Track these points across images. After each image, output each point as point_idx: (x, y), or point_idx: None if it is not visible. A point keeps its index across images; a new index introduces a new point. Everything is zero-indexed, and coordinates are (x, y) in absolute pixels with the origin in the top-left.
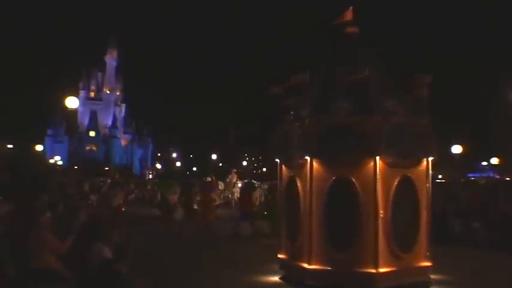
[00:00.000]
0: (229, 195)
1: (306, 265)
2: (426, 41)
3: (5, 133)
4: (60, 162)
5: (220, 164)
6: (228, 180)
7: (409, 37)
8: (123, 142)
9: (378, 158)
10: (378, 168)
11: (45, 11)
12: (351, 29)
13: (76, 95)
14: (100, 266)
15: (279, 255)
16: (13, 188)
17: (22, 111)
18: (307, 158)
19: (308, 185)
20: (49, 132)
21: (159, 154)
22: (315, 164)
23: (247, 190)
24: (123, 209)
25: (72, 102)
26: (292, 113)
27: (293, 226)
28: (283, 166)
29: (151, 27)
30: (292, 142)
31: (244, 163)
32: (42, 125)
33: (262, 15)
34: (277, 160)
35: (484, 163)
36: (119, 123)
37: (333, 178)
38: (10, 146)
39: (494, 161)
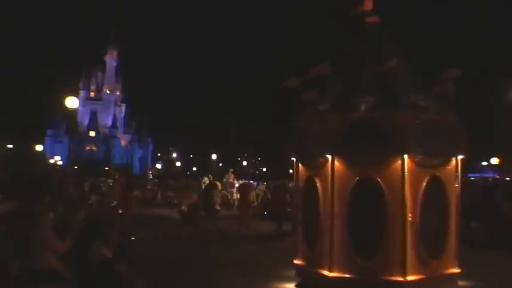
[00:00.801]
0: (229, 196)
1: (326, 272)
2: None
3: (5, 133)
4: (60, 162)
5: (220, 164)
6: (224, 180)
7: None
8: (123, 142)
9: (406, 156)
10: (406, 168)
11: (45, 11)
12: (371, 19)
13: (76, 95)
14: (100, 265)
15: (295, 261)
16: (14, 188)
17: (22, 111)
18: (328, 156)
19: (329, 186)
20: (49, 132)
21: (159, 154)
22: (336, 162)
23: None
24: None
25: (72, 102)
26: (311, 107)
27: (311, 230)
28: (299, 165)
29: (152, 27)
30: (311, 139)
31: (244, 163)
32: (42, 125)
33: (269, 8)
34: (293, 159)
35: (484, 163)
36: (119, 123)
37: (357, 178)
38: (10, 146)
39: (494, 161)
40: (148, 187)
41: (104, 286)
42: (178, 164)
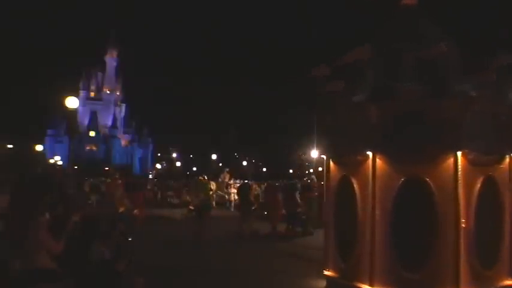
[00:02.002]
0: (226, 196)
1: (366, 286)
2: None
3: (5, 133)
4: (60, 162)
5: (220, 164)
6: (220, 179)
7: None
8: (123, 142)
9: (459, 153)
10: (459, 166)
11: (45, 10)
12: (408, 0)
13: (76, 95)
14: (99, 265)
15: (326, 272)
16: (13, 188)
17: (22, 111)
18: (369, 153)
19: (369, 187)
20: (49, 132)
21: (159, 154)
22: (378, 160)
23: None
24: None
25: (72, 102)
26: (344, 99)
27: (346, 237)
28: (331, 163)
29: (152, 27)
30: (346, 135)
31: (244, 163)
32: (42, 125)
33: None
34: (323, 156)
35: None
36: (119, 123)
37: (402, 178)
38: (10, 146)
39: None
40: (148, 187)
41: (103, 286)
42: (178, 164)
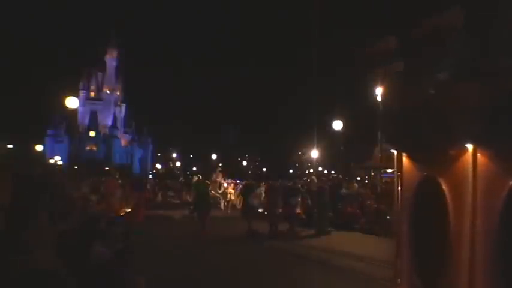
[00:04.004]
0: (220, 196)
1: None
2: None
3: (5, 133)
4: (60, 162)
5: (220, 164)
6: (212, 179)
7: None
8: (123, 142)
9: None
10: None
11: (46, 10)
12: None
13: (76, 95)
14: (100, 265)
15: None
16: (13, 188)
17: (22, 111)
18: (469, 146)
19: (468, 191)
20: (49, 132)
21: (159, 154)
22: (479, 156)
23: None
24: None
25: (72, 102)
26: (427, 76)
27: (431, 254)
28: (405, 160)
29: (152, 27)
30: (430, 122)
31: (244, 163)
32: (42, 125)
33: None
34: (393, 151)
35: None
36: (119, 123)
37: None
38: (10, 146)
39: None
40: (148, 187)
41: (103, 286)
42: (178, 164)
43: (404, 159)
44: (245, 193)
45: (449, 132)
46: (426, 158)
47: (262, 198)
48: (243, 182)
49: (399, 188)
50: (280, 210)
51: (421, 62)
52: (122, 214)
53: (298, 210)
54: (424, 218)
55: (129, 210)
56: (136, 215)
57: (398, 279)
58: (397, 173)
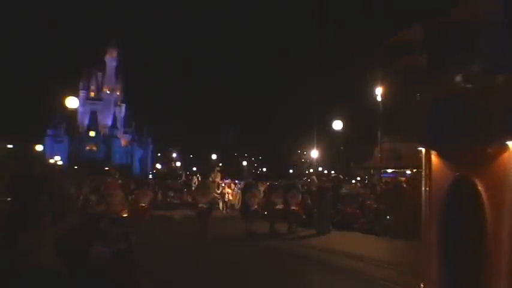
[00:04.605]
0: (219, 197)
1: None
2: None
3: (5, 133)
4: (60, 162)
5: (220, 164)
6: (210, 179)
7: None
8: (123, 142)
9: None
10: None
11: (46, 10)
12: None
13: (76, 95)
14: (100, 266)
15: None
16: (13, 188)
17: (22, 111)
18: (509, 143)
19: (507, 194)
20: (49, 132)
21: (159, 154)
22: None
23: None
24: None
25: (72, 102)
26: (459, 69)
27: (465, 261)
28: (435, 158)
29: (152, 26)
30: (464, 118)
31: (244, 163)
32: (42, 125)
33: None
34: (421, 149)
35: None
36: (119, 123)
37: None
38: (10, 146)
39: None
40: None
41: (104, 285)
42: (178, 164)
43: (433, 158)
44: (244, 193)
45: (488, 129)
46: (459, 156)
47: (260, 197)
48: (242, 182)
49: (427, 188)
50: (281, 206)
51: (450, 52)
52: (125, 215)
53: (293, 207)
54: (457, 220)
55: (136, 210)
56: (143, 215)
57: (422, 284)
58: (425, 172)
